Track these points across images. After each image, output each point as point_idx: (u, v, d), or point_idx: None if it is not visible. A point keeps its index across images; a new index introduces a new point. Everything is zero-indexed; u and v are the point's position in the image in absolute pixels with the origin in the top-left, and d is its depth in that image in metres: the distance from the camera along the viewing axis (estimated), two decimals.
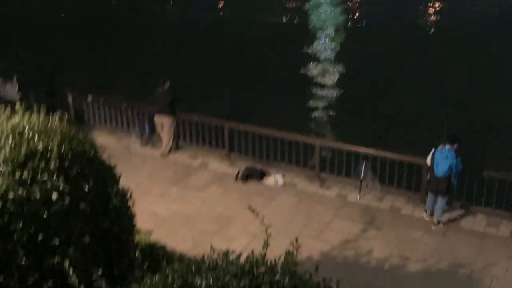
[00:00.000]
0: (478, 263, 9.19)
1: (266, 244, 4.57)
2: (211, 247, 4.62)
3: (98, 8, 28.40)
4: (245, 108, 17.16)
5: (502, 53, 21.24)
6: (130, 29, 25.07)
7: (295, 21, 26.21)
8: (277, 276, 4.31)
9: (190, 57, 21.68)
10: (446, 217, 10.42)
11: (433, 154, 9.94)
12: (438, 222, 10.24)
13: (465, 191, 10.59)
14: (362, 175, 11.15)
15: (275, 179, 11.88)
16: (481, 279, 8.83)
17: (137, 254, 5.14)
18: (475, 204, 10.61)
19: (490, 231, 10.06)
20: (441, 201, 10.12)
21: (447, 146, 9.81)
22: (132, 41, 23.50)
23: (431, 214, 10.34)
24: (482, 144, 14.90)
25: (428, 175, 10.16)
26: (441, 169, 9.79)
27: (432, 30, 25.20)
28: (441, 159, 9.78)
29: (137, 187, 10.93)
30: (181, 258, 5.41)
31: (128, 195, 5.40)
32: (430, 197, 10.29)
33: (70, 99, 14.40)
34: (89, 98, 14.33)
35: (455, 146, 9.82)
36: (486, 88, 18.35)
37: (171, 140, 13.04)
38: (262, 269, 4.38)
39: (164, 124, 12.93)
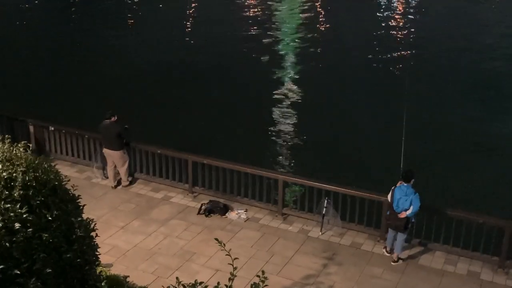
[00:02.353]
0: None
1: (232, 276, 4.58)
2: (177, 279, 4.60)
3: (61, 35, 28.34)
4: (209, 141, 17.21)
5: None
6: (90, 56, 25.08)
7: (258, 52, 26.55)
8: None
9: (153, 89, 21.71)
10: (405, 254, 10.58)
11: (393, 191, 10.15)
12: (398, 259, 10.39)
13: (424, 228, 10.80)
14: (324, 210, 11.27)
15: (238, 213, 11.89)
16: None
17: (103, 284, 5.04)
18: (434, 242, 10.82)
19: (448, 269, 10.25)
20: (400, 238, 10.30)
21: (404, 183, 10.05)
22: (94, 70, 23.44)
23: (391, 250, 10.49)
24: (441, 181, 15.29)
25: (388, 211, 10.34)
26: (401, 206, 10.00)
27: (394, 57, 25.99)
28: (400, 196, 9.99)
29: (98, 219, 10.80)
30: None
31: (92, 226, 5.33)
32: (390, 234, 10.46)
33: (31, 128, 14.17)
34: (51, 128, 14.13)
35: (412, 182, 10.05)
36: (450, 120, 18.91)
37: (127, 172, 12.91)
38: None
39: (115, 158, 12.77)
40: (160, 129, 17.56)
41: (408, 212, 9.93)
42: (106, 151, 12.80)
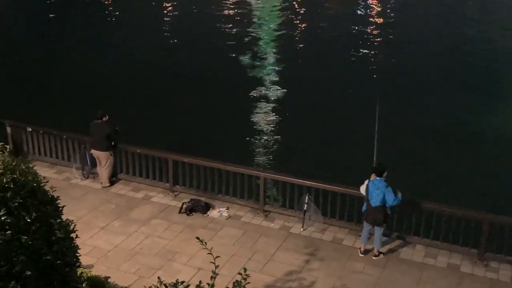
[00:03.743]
0: None
1: (214, 274, 4.58)
2: (158, 278, 4.58)
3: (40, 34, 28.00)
4: (189, 140, 17.16)
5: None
6: (68, 56, 24.86)
7: (238, 51, 26.57)
8: None
9: (133, 89, 21.56)
10: (386, 248, 10.68)
11: (367, 185, 10.22)
12: (379, 253, 10.47)
13: (404, 222, 10.90)
14: (305, 207, 11.32)
15: (219, 211, 11.88)
16: None
17: (84, 285, 5.00)
18: (414, 235, 10.93)
19: (428, 262, 10.37)
20: (378, 232, 10.39)
21: (377, 177, 10.14)
22: (76, 70, 23.23)
23: (365, 251, 10.53)
24: (420, 175, 15.44)
25: (364, 206, 10.40)
26: (375, 200, 10.08)
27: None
28: (374, 190, 10.08)
29: (78, 220, 10.73)
30: None
31: (72, 227, 5.29)
32: (365, 231, 10.51)
33: (8, 129, 13.98)
34: (29, 129, 13.96)
35: (384, 175, 10.14)
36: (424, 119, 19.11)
37: (110, 174, 12.83)
38: None
39: (100, 159, 12.71)
40: (140, 128, 17.45)
41: (389, 202, 10.02)
42: (93, 152, 12.72)
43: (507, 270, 10.09)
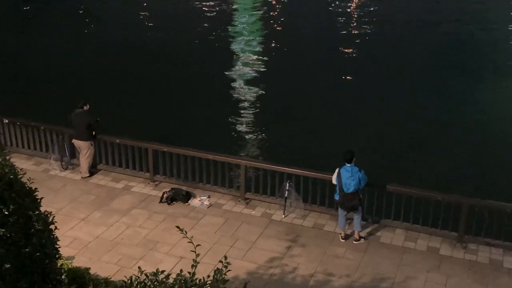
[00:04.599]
0: (399, 277, 9.55)
1: (195, 263, 4.57)
2: (139, 268, 4.56)
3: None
4: (169, 129, 17.08)
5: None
6: (43, 47, 24.50)
7: (217, 43, 26.49)
8: None
9: (111, 78, 21.37)
10: (365, 232, 10.78)
11: (338, 174, 10.28)
12: (360, 238, 10.57)
13: (384, 207, 11.01)
14: (286, 194, 11.35)
15: (200, 200, 11.86)
16: None
17: (63, 277, 4.96)
18: (394, 219, 11.04)
19: (408, 245, 10.49)
20: (357, 217, 10.50)
21: (347, 164, 10.20)
22: (52, 62, 22.91)
23: (346, 236, 10.62)
24: (399, 160, 15.58)
25: (338, 194, 10.46)
26: (350, 187, 10.15)
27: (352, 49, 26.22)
28: (347, 177, 10.14)
29: (58, 212, 10.66)
30: (107, 281, 5.27)
31: (51, 219, 5.23)
32: (341, 218, 10.59)
33: None
34: (5, 120, 13.76)
35: (354, 161, 10.22)
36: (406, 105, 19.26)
37: (90, 164, 12.73)
38: None
39: (81, 148, 12.61)
40: (119, 118, 17.31)
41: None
42: (74, 141, 12.60)
43: (486, 252, 10.26)
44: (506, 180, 14.60)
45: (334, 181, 10.41)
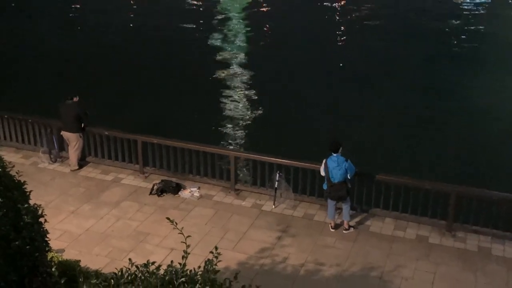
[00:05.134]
0: (388, 266, 9.62)
1: (185, 254, 4.57)
2: (130, 260, 4.56)
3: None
4: (159, 121, 17.04)
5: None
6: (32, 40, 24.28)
7: (205, 34, 26.37)
8: (198, 285, 4.34)
9: (100, 72, 21.24)
10: (356, 222, 10.84)
11: (325, 164, 10.31)
12: (349, 227, 10.63)
13: (374, 196, 11.07)
14: (276, 184, 11.38)
15: (190, 192, 11.86)
16: (392, 281, 9.25)
17: (53, 269, 4.95)
18: (383, 209, 11.11)
19: (398, 234, 10.57)
20: (345, 207, 10.55)
21: (334, 154, 10.24)
22: (40, 55, 22.73)
23: (335, 226, 10.68)
24: (388, 150, 15.66)
25: (326, 185, 10.50)
26: (336, 176, 10.19)
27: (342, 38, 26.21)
28: (334, 167, 10.18)
29: (47, 205, 10.61)
30: (98, 273, 5.26)
31: (40, 212, 5.21)
32: (330, 207, 10.64)
33: None
34: None
35: (340, 151, 10.26)
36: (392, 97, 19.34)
37: (79, 157, 12.68)
38: (182, 279, 4.39)
39: (70, 140, 12.54)
40: (108, 110, 17.25)
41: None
42: (63, 133, 12.53)
43: (474, 239, 10.36)
44: (494, 169, 14.74)
45: (322, 173, 10.43)
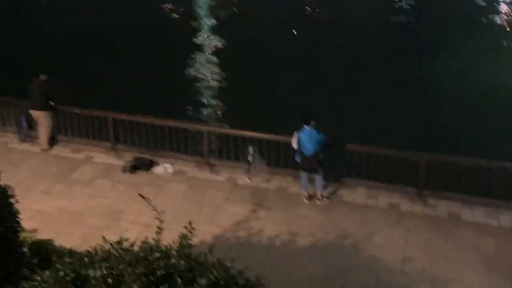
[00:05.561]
0: (362, 234, 9.79)
1: (159, 230, 4.58)
2: (103, 238, 4.55)
3: None
4: (130, 98, 16.82)
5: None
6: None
7: (178, 12, 25.93)
8: (172, 260, 4.35)
9: (69, 48, 20.82)
10: (329, 192, 10.97)
11: (297, 137, 10.36)
12: (322, 197, 10.76)
13: (346, 166, 11.19)
14: (250, 158, 11.41)
15: (164, 168, 11.82)
16: (365, 248, 9.43)
17: (25, 250, 4.92)
18: (356, 178, 11.25)
19: (370, 203, 10.74)
20: (318, 178, 10.66)
21: (306, 126, 10.30)
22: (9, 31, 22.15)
23: (310, 196, 10.80)
24: (358, 121, 15.79)
25: (298, 157, 10.57)
26: (309, 149, 10.26)
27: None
28: (306, 140, 10.24)
29: (18, 185, 10.41)
30: (72, 252, 5.24)
31: (10, 192, 5.15)
32: (303, 179, 10.74)
33: None
34: None
35: (312, 123, 10.32)
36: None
37: (49, 136, 12.50)
38: (157, 255, 4.40)
39: (39, 119, 12.35)
40: (78, 89, 16.96)
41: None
42: (32, 112, 12.32)
43: (444, 206, 10.58)
44: (462, 136, 14.99)
45: (294, 145, 10.48)
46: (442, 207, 10.57)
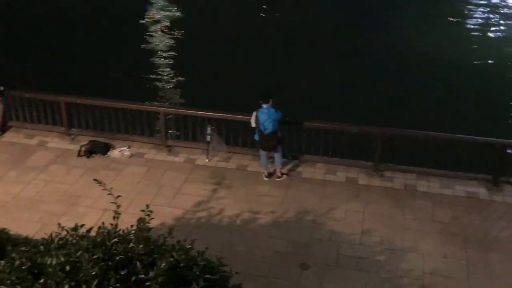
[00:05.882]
0: (321, 209, 9.91)
1: (117, 214, 4.52)
2: (59, 225, 4.46)
3: None
4: (82, 80, 16.46)
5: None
6: None
7: None
8: (131, 244, 4.31)
9: (20, 32, 20.16)
10: (289, 169, 11.04)
11: (256, 116, 10.36)
12: (282, 174, 10.82)
13: (304, 143, 11.26)
14: (208, 138, 11.35)
15: (120, 151, 11.64)
16: (325, 223, 9.55)
17: None
18: (314, 155, 11.34)
19: (329, 178, 10.86)
20: (278, 156, 10.71)
21: (264, 105, 10.30)
22: None
23: (269, 174, 10.84)
24: (313, 98, 15.88)
25: (257, 136, 10.58)
26: (268, 128, 10.26)
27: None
28: (264, 118, 10.23)
29: None
30: (27, 240, 5.11)
31: None
32: (263, 157, 10.77)
33: None
34: None
35: (271, 102, 10.34)
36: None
37: (0, 122, 12.14)
38: (115, 240, 4.34)
39: None
40: (28, 72, 16.49)
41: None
42: None
43: (400, 178, 10.80)
44: (417, 109, 15.28)
45: (253, 124, 10.47)
46: (399, 179, 10.78)
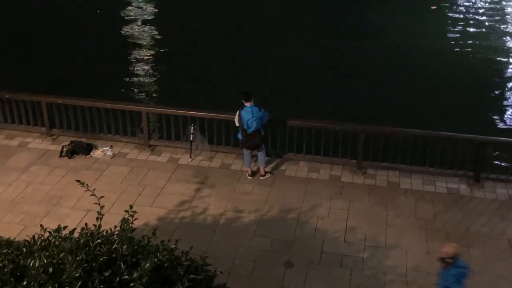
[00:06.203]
0: (305, 206, 9.94)
1: (99, 215, 4.49)
2: (41, 226, 4.42)
3: None
4: (63, 80, 16.32)
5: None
6: None
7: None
8: (115, 245, 4.29)
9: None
10: (272, 167, 11.06)
11: (239, 115, 10.37)
12: (265, 173, 10.83)
13: (287, 142, 11.29)
14: (191, 137, 11.32)
15: (103, 151, 11.56)
16: (308, 221, 9.58)
17: None
18: (297, 153, 11.37)
19: (312, 176, 10.89)
20: (261, 154, 10.73)
21: (247, 104, 10.32)
22: None
23: (253, 173, 10.85)
24: (300, 94, 15.93)
25: (240, 134, 10.59)
26: (251, 126, 10.27)
27: None
28: (248, 117, 10.25)
29: None
30: (9, 242, 5.04)
31: None
32: (246, 156, 10.78)
33: None
34: None
35: (253, 101, 10.35)
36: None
37: None
38: (99, 241, 4.32)
39: None
40: (8, 73, 16.30)
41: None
42: None
43: (383, 175, 10.87)
44: (400, 107, 15.38)
45: (237, 123, 10.47)
46: (382, 176, 10.85)
